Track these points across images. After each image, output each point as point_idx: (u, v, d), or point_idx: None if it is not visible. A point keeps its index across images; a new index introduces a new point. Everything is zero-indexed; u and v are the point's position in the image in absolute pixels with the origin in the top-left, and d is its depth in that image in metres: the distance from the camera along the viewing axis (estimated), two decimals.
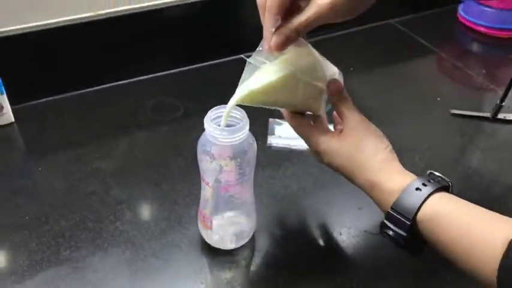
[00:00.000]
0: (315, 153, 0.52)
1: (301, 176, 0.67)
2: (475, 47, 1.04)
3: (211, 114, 0.48)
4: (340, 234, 0.59)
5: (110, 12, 0.80)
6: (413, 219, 0.43)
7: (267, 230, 0.59)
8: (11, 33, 0.74)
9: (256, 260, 0.56)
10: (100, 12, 0.79)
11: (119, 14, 0.80)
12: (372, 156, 0.47)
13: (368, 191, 0.47)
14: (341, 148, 0.48)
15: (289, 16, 0.43)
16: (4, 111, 0.74)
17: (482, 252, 0.39)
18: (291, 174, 0.67)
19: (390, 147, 0.48)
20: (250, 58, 0.45)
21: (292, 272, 0.55)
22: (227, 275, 0.54)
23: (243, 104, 0.47)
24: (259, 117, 0.74)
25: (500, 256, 0.37)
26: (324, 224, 0.61)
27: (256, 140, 0.51)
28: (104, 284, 0.53)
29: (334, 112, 0.53)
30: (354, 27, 1.01)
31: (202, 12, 0.86)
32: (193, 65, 0.90)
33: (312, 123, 0.52)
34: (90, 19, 0.78)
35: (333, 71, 0.51)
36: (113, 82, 0.84)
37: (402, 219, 0.43)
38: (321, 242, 0.59)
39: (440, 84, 0.90)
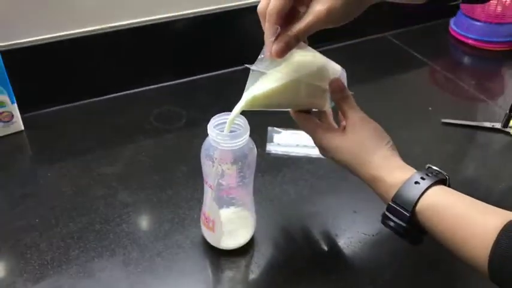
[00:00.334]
0: (319, 149, 0.54)
1: (299, 182, 0.69)
2: (465, 59, 1.07)
3: (214, 120, 0.51)
4: (336, 236, 0.61)
5: (118, 26, 0.82)
6: (412, 211, 0.45)
7: (267, 231, 0.61)
8: (22, 45, 0.77)
9: (256, 260, 0.58)
10: (108, 25, 0.82)
11: (126, 27, 0.83)
12: (373, 153, 0.49)
13: (370, 185, 0.50)
14: (343, 145, 0.50)
15: (288, 22, 0.44)
16: (14, 119, 0.76)
17: (475, 240, 0.41)
18: (289, 180, 0.69)
19: (391, 142, 0.50)
20: (253, 65, 0.47)
21: (291, 272, 0.57)
22: (228, 274, 0.56)
23: (248, 109, 0.49)
24: (259, 125, 0.76)
25: (491, 243, 0.40)
26: (321, 227, 0.63)
27: (255, 147, 0.53)
28: (111, 283, 0.55)
29: None
30: (348, 40, 1.04)
31: (206, 25, 0.89)
32: (196, 75, 0.92)
33: (317, 119, 0.54)
34: (98, 32, 0.81)
35: (335, 68, 0.52)
36: (119, 92, 0.87)
37: (402, 211, 0.46)
38: (318, 244, 0.61)
39: (431, 94, 0.93)
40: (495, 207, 0.44)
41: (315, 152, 0.74)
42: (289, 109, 0.54)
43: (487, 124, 0.81)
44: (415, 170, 0.48)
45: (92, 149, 0.75)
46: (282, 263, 0.58)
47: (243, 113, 0.50)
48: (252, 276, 0.57)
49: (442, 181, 0.47)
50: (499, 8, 1.00)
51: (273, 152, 0.75)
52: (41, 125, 0.79)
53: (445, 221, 0.44)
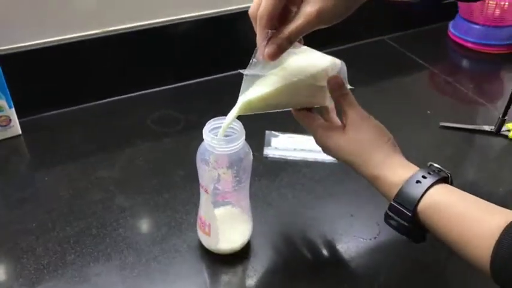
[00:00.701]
0: (321, 147, 0.53)
1: (296, 186, 0.69)
2: (464, 63, 1.07)
3: (210, 125, 0.51)
4: (333, 240, 0.61)
5: (115, 30, 0.83)
6: (414, 210, 0.45)
7: (263, 235, 0.61)
8: (19, 50, 0.77)
9: (253, 265, 0.58)
10: (105, 29, 0.82)
11: (124, 31, 0.83)
12: (374, 152, 0.48)
13: (372, 183, 0.49)
14: (344, 144, 0.50)
15: (281, 22, 0.44)
16: (12, 123, 0.76)
17: (477, 240, 0.41)
18: (286, 184, 0.69)
19: (391, 140, 0.50)
20: (246, 70, 0.46)
21: (288, 277, 0.57)
22: (225, 278, 0.56)
23: (244, 114, 0.49)
24: (256, 129, 0.77)
25: (494, 243, 0.39)
26: (318, 231, 0.62)
27: (253, 151, 0.53)
28: (107, 287, 0.55)
29: None
30: (346, 44, 1.04)
31: (203, 29, 0.89)
32: (194, 79, 0.92)
33: (318, 117, 0.53)
34: (95, 36, 0.81)
35: (334, 63, 0.51)
36: (117, 96, 0.87)
37: (404, 210, 0.45)
38: (315, 247, 0.61)
39: (430, 98, 0.93)
40: (498, 207, 0.43)
41: (312, 156, 0.74)
42: (287, 109, 0.54)
43: (486, 127, 0.81)
44: (417, 168, 0.47)
45: (89, 152, 0.75)
46: (279, 267, 0.58)
47: (240, 117, 0.50)
48: (249, 280, 0.56)
49: (444, 179, 0.47)
50: (498, 11, 1.00)
51: (271, 155, 0.75)
52: (38, 129, 0.80)
53: (447, 220, 0.44)
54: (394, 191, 0.46)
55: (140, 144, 0.77)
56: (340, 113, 0.52)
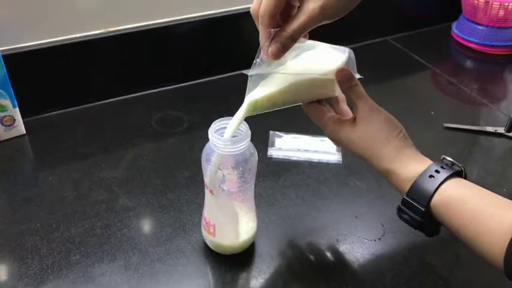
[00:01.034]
0: (332, 141, 0.53)
1: (300, 186, 0.69)
2: (467, 63, 1.07)
3: (215, 125, 0.50)
4: (338, 241, 0.61)
5: (119, 30, 0.83)
6: (427, 205, 0.44)
7: (268, 235, 0.61)
8: (23, 49, 0.77)
9: (257, 265, 0.58)
10: (109, 29, 0.82)
11: (127, 31, 0.83)
12: (385, 146, 0.48)
13: (385, 177, 0.49)
14: (354, 138, 0.49)
15: (284, 18, 0.43)
16: (16, 123, 0.76)
17: (491, 236, 0.41)
18: (290, 184, 0.69)
19: (403, 132, 0.49)
20: (250, 71, 0.46)
21: (292, 277, 0.57)
22: (229, 279, 0.56)
23: (251, 114, 0.49)
24: (260, 129, 0.77)
25: (508, 240, 0.39)
26: (322, 231, 0.62)
27: (257, 151, 0.53)
28: None
29: None
30: (350, 44, 1.03)
31: (206, 29, 0.89)
32: (198, 79, 0.92)
33: (327, 109, 0.53)
34: (100, 36, 0.82)
35: (341, 55, 0.50)
36: (121, 96, 0.87)
37: (417, 205, 0.45)
38: (319, 248, 0.60)
39: (434, 98, 0.93)
40: (510, 201, 0.43)
41: (316, 157, 0.74)
42: (296, 104, 0.53)
43: (490, 129, 0.81)
44: (430, 162, 0.47)
45: (93, 153, 0.75)
46: (283, 267, 0.58)
47: (246, 117, 0.49)
48: (253, 281, 0.56)
49: (457, 173, 0.46)
50: (502, 12, 1.00)
51: (275, 156, 0.75)
52: (42, 129, 0.80)
53: (460, 216, 0.43)
54: (407, 186, 0.46)
55: (144, 144, 0.77)
56: (351, 104, 0.52)
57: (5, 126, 0.76)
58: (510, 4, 0.99)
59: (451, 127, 0.81)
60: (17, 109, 0.76)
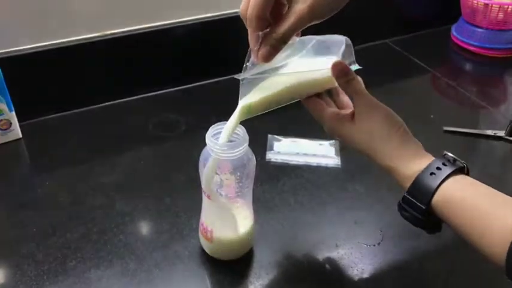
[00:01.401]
0: (332, 137, 0.52)
1: (299, 190, 0.69)
2: (467, 66, 1.06)
3: (213, 130, 0.50)
4: (336, 246, 0.61)
5: (115, 33, 0.82)
6: (428, 203, 0.44)
7: (266, 241, 0.61)
8: (20, 53, 0.77)
9: (255, 271, 0.57)
10: (105, 32, 0.82)
11: (124, 34, 0.83)
12: (385, 143, 0.47)
13: (387, 174, 0.48)
14: (353, 134, 0.49)
15: (274, 17, 0.42)
16: (12, 127, 0.76)
17: (493, 235, 0.40)
18: (289, 189, 0.69)
19: (403, 127, 0.48)
20: (241, 75, 0.45)
21: (291, 283, 0.56)
22: (227, 285, 0.56)
23: (245, 119, 0.48)
24: (259, 133, 0.77)
25: (511, 240, 0.38)
26: (321, 237, 0.62)
27: (255, 155, 0.52)
28: None
29: None
30: None
31: (204, 32, 0.89)
32: (195, 83, 0.92)
33: (328, 100, 0.52)
34: (96, 39, 0.81)
35: (335, 50, 0.49)
36: (117, 99, 0.87)
37: (418, 203, 0.44)
38: (318, 253, 0.60)
39: (433, 102, 0.92)
40: None
41: (315, 161, 0.74)
42: (292, 101, 0.52)
43: (489, 132, 0.80)
44: (431, 158, 0.46)
45: (90, 157, 0.74)
46: (281, 273, 0.57)
47: (243, 121, 0.49)
48: (251, 287, 0.56)
49: (459, 169, 0.45)
50: (501, 15, 1.00)
51: (273, 160, 0.74)
52: (39, 133, 0.79)
53: (462, 214, 0.43)
54: (408, 183, 0.45)
55: (141, 148, 0.77)
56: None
57: (1, 130, 0.75)
58: (509, 7, 0.98)
59: (451, 130, 0.81)
60: (13, 113, 0.75)
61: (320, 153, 0.75)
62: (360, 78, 0.50)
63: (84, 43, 0.81)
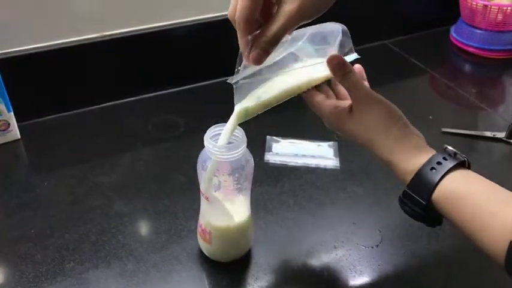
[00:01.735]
0: (333, 131, 0.52)
1: (297, 192, 0.69)
2: (466, 67, 1.06)
3: (211, 131, 0.50)
4: (335, 247, 0.61)
5: (114, 34, 0.82)
6: (429, 199, 0.43)
7: (264, 242, 0.61)
8: (18, 54, 0.77)
9: (253, 272, 0.57)
10: (104, 33, 0.82)
11: (123, 35, 0.83)
12: (383, 136, 0.46)
13: (387, 168, 0.47)
14: (352, 128, 0.48)
15: (264, 18, 0.42)
16: (10, 128, 0.76)
17: (493, 232, 0.40)
18: (287, 190, 0.69)
19: (402, 120, 0.47)
20: (234, 78, 0.45)
21: (289, 285, 0.56)
22: (225, 286, 0.56)
23: (242, 121, 0.48)
24: (257, 135, 0.76)
25: (509, 235, 0.38)
26: (319, 238, 0.62)
27: (254, 156, 0.52)
28: None
29: None
30: None
31: (203, 33, 0.89)
32: (194, 84, 0.92)
33: (329, 93, 0.52)
34: (94, 40, 0.81)
35: (333, 37, 0.48)
36: (117, 100, 0.86)
37: (418, 198, 0.44)
38: (316, 254, 0.60)
39: (432, 103, 0.92)
40: None
41: (313, 162, 0.74)
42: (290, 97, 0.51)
43: (488, 133, 0.80)
44: (431, 152, 0.46)
45: (88, 158, 0.74)
46: (279, 274, 0.57)
47: (241, 122, 0.49)
48: None
49: (460, 163, 0.45)
50: (500, 16, 1.00)
51: (272, 161, 0.74)
52: (37, 134, 0.79)
53: (463, 210, 0.42)
54: (408, 178, 0.45)
55: (140, 149, 0.77)
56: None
57: (0, 131, 0.75)
58: (508, 8, 0.98)
59: (449, 132, 0.81)
60: (12, 113, 0.75)
61: (319, 154, 0.75)
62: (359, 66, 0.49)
63: (83, 44, 0.80)
